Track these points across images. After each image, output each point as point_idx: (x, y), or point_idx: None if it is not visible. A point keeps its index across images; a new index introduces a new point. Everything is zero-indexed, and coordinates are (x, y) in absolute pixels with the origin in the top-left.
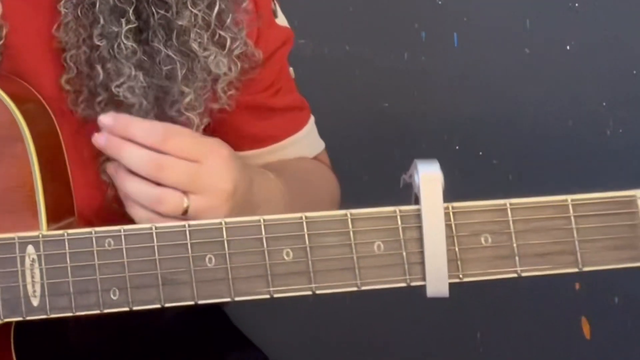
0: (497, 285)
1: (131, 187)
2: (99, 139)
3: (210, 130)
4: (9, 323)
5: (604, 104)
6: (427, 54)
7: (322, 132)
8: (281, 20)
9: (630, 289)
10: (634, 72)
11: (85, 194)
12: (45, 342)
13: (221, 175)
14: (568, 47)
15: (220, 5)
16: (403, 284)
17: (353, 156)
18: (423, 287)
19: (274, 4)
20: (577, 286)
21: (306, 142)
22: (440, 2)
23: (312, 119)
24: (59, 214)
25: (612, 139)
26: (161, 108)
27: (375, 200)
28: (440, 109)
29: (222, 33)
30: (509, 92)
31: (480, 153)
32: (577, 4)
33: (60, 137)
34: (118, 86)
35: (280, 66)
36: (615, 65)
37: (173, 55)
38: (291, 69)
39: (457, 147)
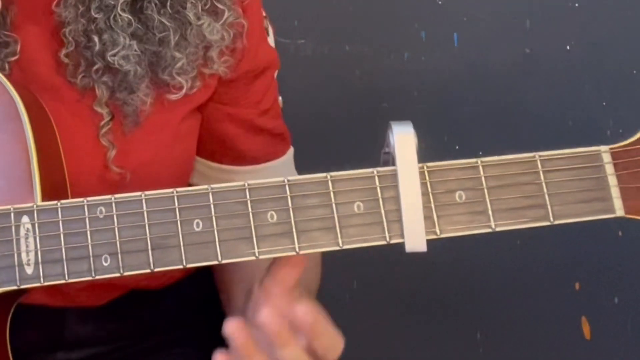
0: (498, 285)
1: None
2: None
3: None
4: (6, 310)
5: (604, 104)
6: (427, 54)
7: (322, 132)
8: (271, 40)
9: (630, 289)
10: (634, 72)
11: (85, 160)
12: (42, 335)
13: None
14: (568, 47)
15: None
16: (383, 242)
17: (353, 156)
18: (403, 245)
19: (267, 23)
20: (577, 286)
21: (282, 172)
22: (440, 2)
23: (291, 150)
24: (53, 192)
25: (612, 139)
26: (154, 72)
27: None
28: (440, 109)
29: (218, 4)
30: (509, 92)
31: (480, 153)
32: (577, 4)
33: (55, 127)
34: (113, 55)
35: (268, 86)
36: (615, 65)
37: (166, 22)
38: (280, 98)
39: (457, 147)
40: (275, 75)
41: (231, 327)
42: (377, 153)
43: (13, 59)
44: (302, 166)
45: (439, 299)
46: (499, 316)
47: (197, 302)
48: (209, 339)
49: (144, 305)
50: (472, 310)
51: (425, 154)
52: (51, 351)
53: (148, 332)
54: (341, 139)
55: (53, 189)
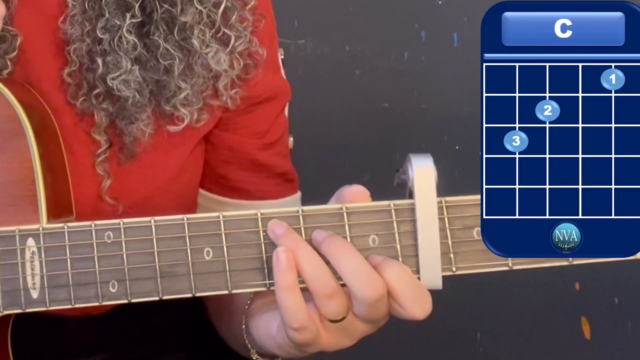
0: (497, 285)
1: (313, 266)
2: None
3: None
4: (7, 318)
5: None
6: (427, 54)
7: (322, 132)
8: (282, 71)
9: (630, 289)
10: None
11: (79, 187)
12: (43, 342)
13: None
14: None
15: (226, 2)
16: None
17: (353, 156)
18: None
19: (281, 54)
20: (577, 286)
21: None
22: (440, 2)
23: (297, 195)
24: (58, 210)
25: None
26: (157, 102)
27: (376, 200)
28: (440, 109)
29: (227, 31)
30: None
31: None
32: None
33: (61, 140)
34: (113, 79)
35: (276, 118)
36: None
37: (172, 50)
38: (291, 138)
39: (457, 147)
40: (287, 111)
41: (272, 225)
42: (377, 153)
43: (12, 55)
44: (302, 166)
45: (439, 299)
46: (499, 316)
47: (196, 308)
48: (208, 344)
49: (145, 312)
50: (472, 310)
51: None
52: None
53: (149, 338)
54: (341, 139)
55: (59, 207)
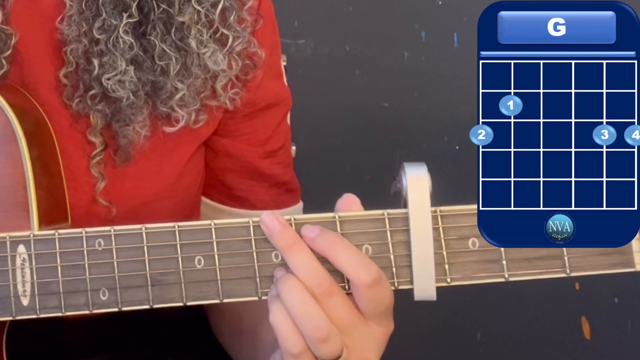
0: (497, 285)
1: (302, 307)
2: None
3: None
4: (2, 323)
5: None
6: (427, 54)
7: (322, 132)
8: (284, 78)
9: (630, 289)
10: None
11: (74, 190)
12: (42, 343)
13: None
14: None
15: (224, 2)
16: (391, 287)
17: (353, 156)
18: (411, 290)
19: (284, 61)
20: (577, 286)
21: None
22: (440, 2)
23: (299, 205)
24: (51, 217)
25: None
26: (154, 103)
27: (376, 200)
28: (441, 109)
29: (225, 31)
30: None
31: None
32: None
33: (56, 143)
34: (109, 79)
35: (278, 126)
36: None
37: (168, 50)
38: (294, 147)
39: (457, 147)
40: (288, 119)
41: (267, 218)
42: (377, 153)
43: (7, 53)
44: (301, 166)
45: (439, 299)
46: (499, 316)
47: (197, 309)
48: (210, 345)
49: (145, 313)
50: (472, 310)
51: (425, 153)
52: None
53: (149, 339)
54: (341, 139)
55: (52, 214)
